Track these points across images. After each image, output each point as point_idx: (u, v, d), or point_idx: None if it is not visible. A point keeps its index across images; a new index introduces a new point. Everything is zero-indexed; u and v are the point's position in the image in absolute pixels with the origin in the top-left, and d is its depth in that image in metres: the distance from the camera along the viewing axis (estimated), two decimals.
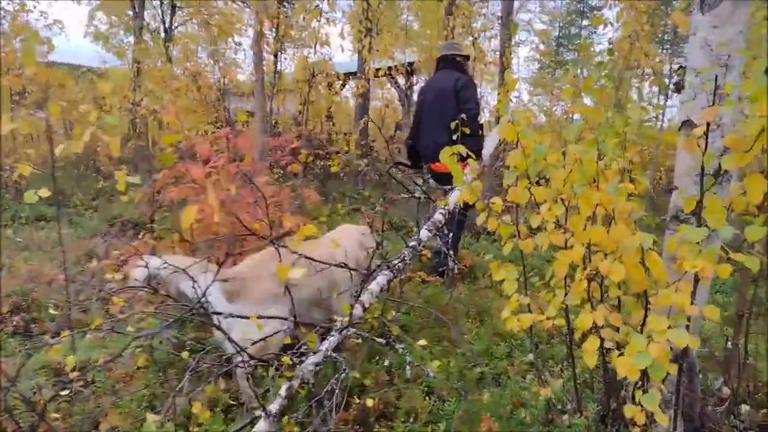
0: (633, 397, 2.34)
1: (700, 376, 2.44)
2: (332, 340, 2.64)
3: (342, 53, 18.31)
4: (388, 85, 14.14)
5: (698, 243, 1.76)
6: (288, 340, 2.81)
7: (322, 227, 5.46)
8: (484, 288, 4.82)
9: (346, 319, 2.68)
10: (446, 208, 3.78)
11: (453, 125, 2.57)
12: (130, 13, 11.97)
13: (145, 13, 12.89)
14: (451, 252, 4.06)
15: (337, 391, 2.43)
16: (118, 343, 3.49)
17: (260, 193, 3.16)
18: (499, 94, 7.94)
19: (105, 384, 3.10)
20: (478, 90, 8.43)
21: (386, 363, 3.23)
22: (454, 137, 2.53)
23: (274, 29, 9.02)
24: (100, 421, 2.72)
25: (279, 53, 9.47)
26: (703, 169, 1.96)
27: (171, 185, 4.05)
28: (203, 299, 2.53)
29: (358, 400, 2.83)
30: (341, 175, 10.09)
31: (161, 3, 12.81)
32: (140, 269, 2.87)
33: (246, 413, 2.78)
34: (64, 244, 5.69)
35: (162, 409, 2.78)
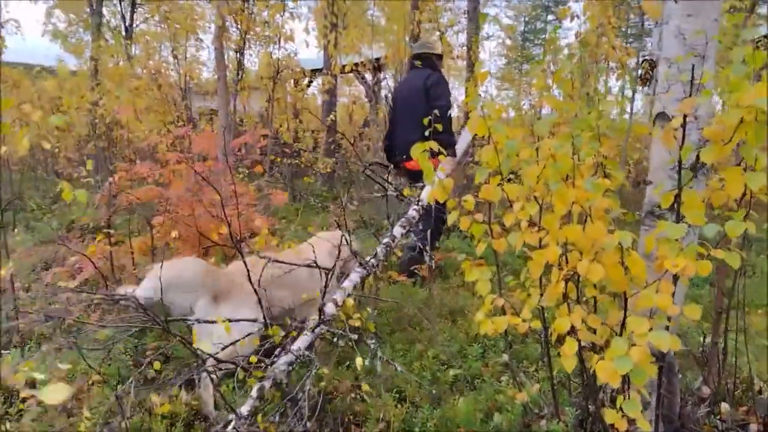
0: (612, 400, 2.27)
1: (679, 375, 2.37)
2: (304, 339, 2.58)
3: (307, 48, 18.11)
4: (356, 81, 13.98)
5: (677, 240, 1.69)
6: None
7: (289, 227, 5.34)
8: (456, 287, 4.73)
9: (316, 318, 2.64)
10: (420, 204, 3.72)
11: (426, 121, 2.48)
12: (88, 10, 11.61)
13: (106, 10, 12.52)
14: (427, 247, 4.05)
15: (309, 387, 2.38)
16: (73, 356, 3.30)
17: (219, 195, 3.02)
18: (467, 89, 7.88)
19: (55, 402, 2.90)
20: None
21: (359, 361, 3.17)
22: (426, 133, 2.43)
23: (236, 25, 8.80)
24: None
25: (242, 49, 9.24)
26: (680, 162, 1.88)
27: (128, 188, 3.87)
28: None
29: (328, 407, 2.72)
30: (309, 173, 9.92)
31: (120, 0, 12.47)
32: (148, 287, 2.84)
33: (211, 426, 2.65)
34: (19, 252, 5.45)
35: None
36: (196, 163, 4.43)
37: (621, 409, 1.77)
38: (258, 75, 9.47)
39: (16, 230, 6.53)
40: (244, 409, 2.19)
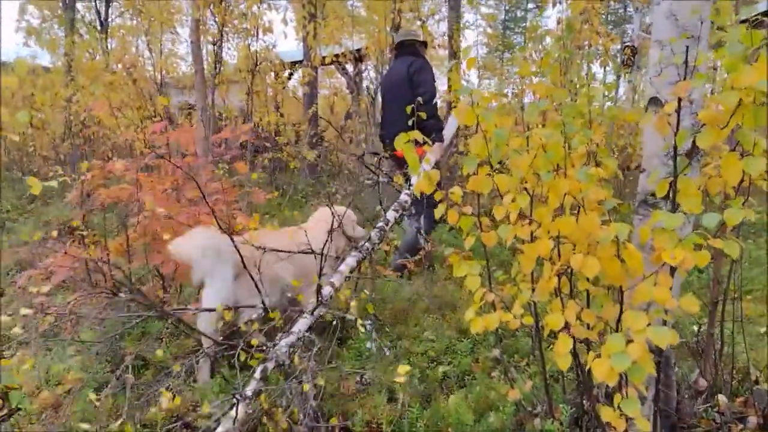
0: (606, 395, 2.19)
1: (676, 368, 2.31)
2: (304, 321, 2.72)
3: (285, 40, 17.79)
4: (337, 73, 13.79)
5: (673, 230, 1.61)
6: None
7: (274, 221, 5.22)
8: (444, 280, 4.65)
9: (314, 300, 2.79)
10: (411, 189, 3.71)
11: (409, 110, 2.39)
12: (62, 5, 11.32)
13: (80, 5, 12.23)
14: (423, 231, 4.23)
15: (312, 365, 2.45)
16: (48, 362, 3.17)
17: (201, 192, 2.90)
18: (449, 78, 7.77)
19: (30, 412, 2.78)
20: None
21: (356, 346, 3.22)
22: (410, 122, 2.34)
23: (214, 17, 8.59)
24: None
25: (220, 42, 9.03)
26: (675, 149, 1.80)
27: (101, 186, 3.72)
28: None
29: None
30: (292, 167, 9.75)
31: None
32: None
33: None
34: None
35: None
36: (173, 158, 4.29)
37: (619, 407, 1.69)
38: (236, 68, 9.27)
39: None
40: (248, 391, 2.24)
